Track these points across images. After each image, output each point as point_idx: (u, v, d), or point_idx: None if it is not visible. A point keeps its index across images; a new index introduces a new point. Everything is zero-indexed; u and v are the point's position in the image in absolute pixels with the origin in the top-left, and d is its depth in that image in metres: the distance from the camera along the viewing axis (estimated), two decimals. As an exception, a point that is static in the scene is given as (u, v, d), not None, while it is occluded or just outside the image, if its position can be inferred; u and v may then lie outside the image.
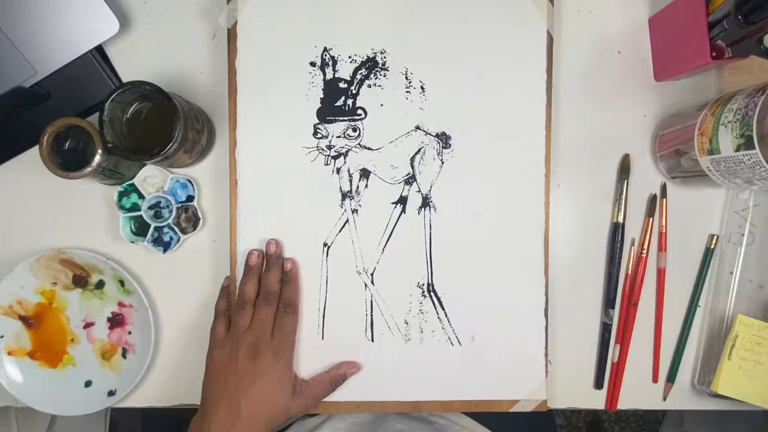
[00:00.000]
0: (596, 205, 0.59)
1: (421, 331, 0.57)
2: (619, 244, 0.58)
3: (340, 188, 0.56)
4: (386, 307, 0.57)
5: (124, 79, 0.58)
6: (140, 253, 0.58)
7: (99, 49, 0.56)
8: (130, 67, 0.58)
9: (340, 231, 0.56)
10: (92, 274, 0.58)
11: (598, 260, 0.59)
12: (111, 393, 0.57)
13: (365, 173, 0.56)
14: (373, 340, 0.56)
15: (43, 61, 0.53)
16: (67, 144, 0.52)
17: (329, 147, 0.56)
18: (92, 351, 0.58)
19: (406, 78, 0.56)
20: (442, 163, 0.56)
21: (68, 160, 0.51)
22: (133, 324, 0.58)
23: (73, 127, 0.51)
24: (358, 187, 0.56)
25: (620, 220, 0.58)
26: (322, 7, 0.56)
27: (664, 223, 0.58)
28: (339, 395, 0.56)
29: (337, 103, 0.56)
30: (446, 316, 0.57)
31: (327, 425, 0.63)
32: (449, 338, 0.57)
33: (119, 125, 0.51)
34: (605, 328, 0.58)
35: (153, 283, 0.58)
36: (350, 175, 0.56)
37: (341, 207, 0.56)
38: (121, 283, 0.57)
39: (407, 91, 0.56)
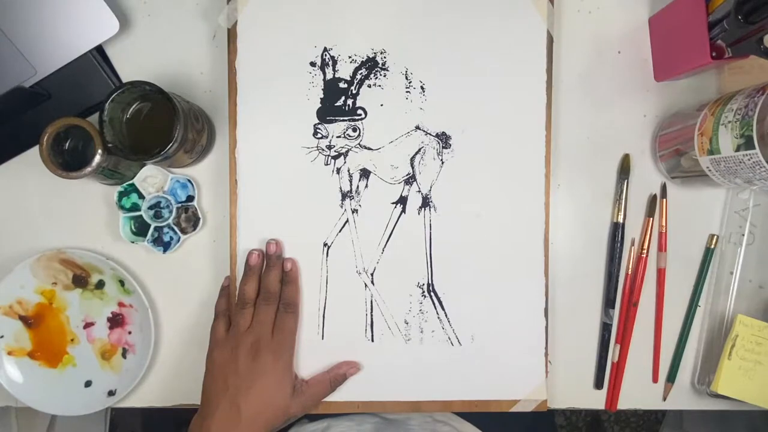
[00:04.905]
0: (596, 205, 0.59)
1: (421, 331, 0.57)
2: (619, 244, 0.58)
3: (340, 188, 0.56)
4: (386, 307, 0.57)
5: (124, 79, 0.58)
6: (140, 253, 0.58)
7: (99, 49, 0.56)
8: (130, 67, 0.58)
9: (340, 231, 0.56)
10: (92, 274, 0.58)
11: (598, 260, 0.59)
12: (111, 393, 0.57)
13: (365, 173, 0.56)
14: (373, 340, 0.56)
15: (43, 61, 0.52)
16: (67, 144, 0.52)
17: (329, 147, 0.56)
18: (92, 351, 0.58)
19: (406, 78, 0.56)
20: (442, 163, 0.56)
21: (68, 160, 0.51)
22: (133, 324, 0.58)
23: (73, 127, 0.51)
24: (358, 187, 0.56)
25: (620, 220, 0.58)
26: (322, 7, 0.56)
27: (664, 223, 0.58)
28: (339, 395, 0.56)
29: (337, 103, 0.56)
30: (446, 316, 0.57)
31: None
32: (449, 338, 0.57)
33: (119, 125, 0.51)
34: (605, 328, 0.58)
35: (153, 283, 0.58)
36: (350, 175, 0.56)
37: (341, 207, 0.56)
38: (121, 283, 0.57)
39: (407, 91, 0.56)
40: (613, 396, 0.59)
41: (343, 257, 0.56)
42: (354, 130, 0.56)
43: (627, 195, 0.58)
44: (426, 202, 0.56)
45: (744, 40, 0.47)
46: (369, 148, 0.56)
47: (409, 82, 0.56)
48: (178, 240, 0.57)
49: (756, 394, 0.56)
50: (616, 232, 0.58)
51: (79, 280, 0.58)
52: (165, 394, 0.59)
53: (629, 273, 0.58)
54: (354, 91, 0.56)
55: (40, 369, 0.58)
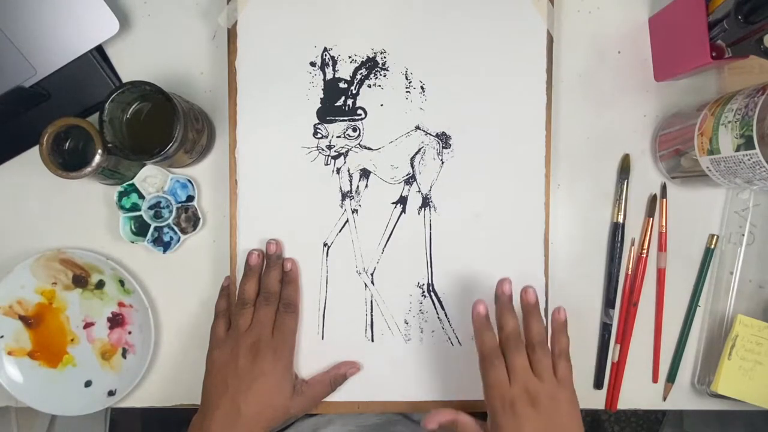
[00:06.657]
0: (596, 205, 0.59)
1: (421, 331, 0.57)
2: (619, 244, 0.58)
3: (340, 188, 0.56)
4: (386, 307, 0.56)
5: (124, 79, 0.58)
6: (140, 253, 0.58)
7: (99, 49, 0.56)
8: (130, 67, 0.58)
9: (340, 231, 0.56)
10: (92, 274, 0.58)
11: (598, 260, 0.59)
12: (111, 393, 0.57)
13: (365, 173, 0.56)
14: (373, 340, 0.56)
15: (43, 61, 0.52)
16: (67, 144, 0.52)
17: (329, 147, 0.56)
18: (92, 351, 0.58)
19: (406, 78, 0.56)
20: (442, 163, 0.56)
21: (68, 160, 0.51)
22: (133, 324, 0.58)
23: (73, 127, 0.51)
24: (358, 187, 0.56)
25: (620, 220, 0.58)
26: (322, 7, 0.56)
27: (664, 223, 0.58)
28: (339, 395, 0.56)
29: (337, 103, 0.56)
30: (446, 316, 0.57)
31: (330, 428, 0.63)
32: (449, 338, 0.57)
33: (119, 125, 0.51)
34: (605, 328, 0.58)
35: (153, 283, 0.58)
36: (350, 175, 0.56)
37: (341, 207, 0.56)
38: (121, 283, 0.57)
39: (407, 91, 0.56)
40: (613, 396, 0.59)
41: (343, 257, 0.56)
42: (354, 130, 0.56)
43: (627, 195, 0.58)
44: (426, 202, 0.56)
45: (744, 40, 0.47)
46: (369, 148, 0.56)
47: (409, 82, 0.56)
48: (178, 240, 0.57)
49: (756, 394, 0.56)
50: (616, 232, 0.58)
51: (79, 280, 0.58)
52: (165, 394, 0.59)
53: (629, 273, 0.58)
54: (354, 91, 0.56)
55: (40, 369, 0.58)
